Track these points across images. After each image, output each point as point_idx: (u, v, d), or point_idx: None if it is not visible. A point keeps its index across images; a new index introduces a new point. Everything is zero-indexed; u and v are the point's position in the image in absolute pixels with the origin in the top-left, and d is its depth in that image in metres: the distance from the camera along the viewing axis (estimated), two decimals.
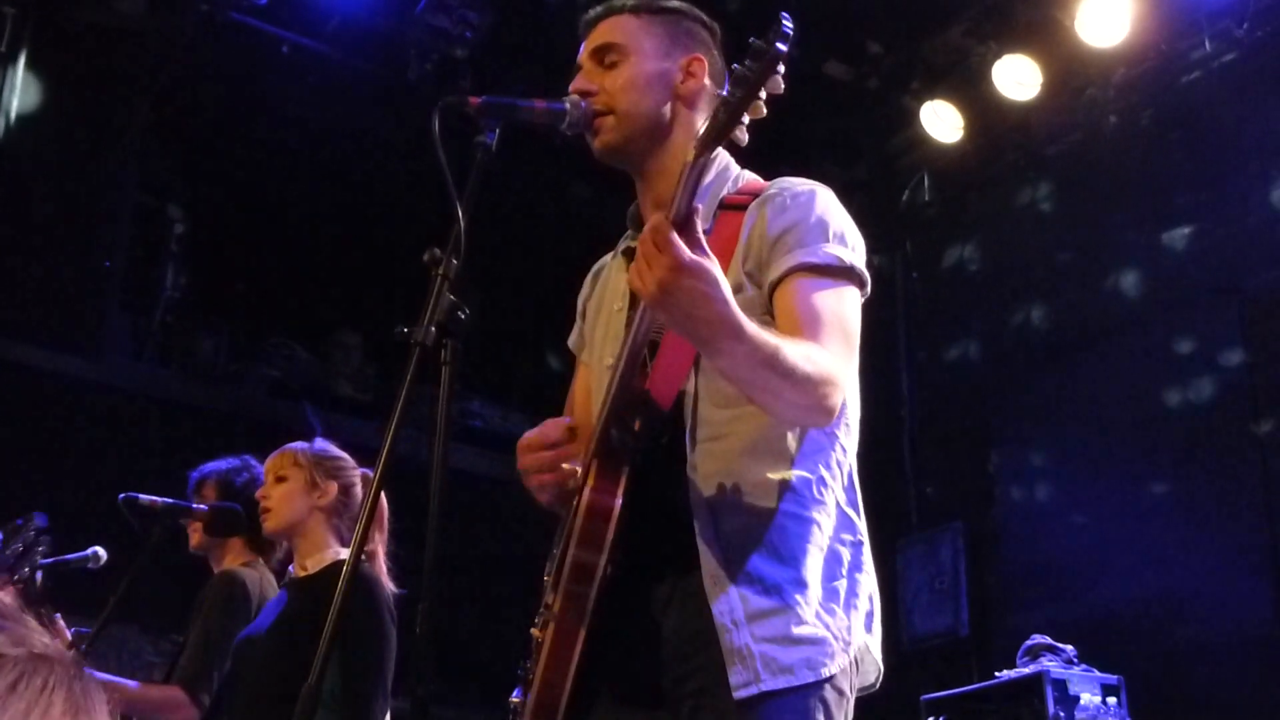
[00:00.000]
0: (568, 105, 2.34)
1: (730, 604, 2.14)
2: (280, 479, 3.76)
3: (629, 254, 2.39)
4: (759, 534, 2.18)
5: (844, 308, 2.23)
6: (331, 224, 7.48)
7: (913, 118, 7.32)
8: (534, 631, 2.27)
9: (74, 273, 6.76)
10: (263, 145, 7.20)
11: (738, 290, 2.19)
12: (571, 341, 2.66)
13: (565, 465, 2.25)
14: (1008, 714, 5.37)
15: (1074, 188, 7.22)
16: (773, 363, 2.02)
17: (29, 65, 6.58)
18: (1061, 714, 5.17)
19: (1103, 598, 6.41)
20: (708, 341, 2.01)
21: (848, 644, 2.20)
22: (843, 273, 2.25)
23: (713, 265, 1.95)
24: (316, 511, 3.72)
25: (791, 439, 2.24)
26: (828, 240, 2.26)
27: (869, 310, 2.32)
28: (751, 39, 1.93)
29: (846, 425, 2.31)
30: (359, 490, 3.79)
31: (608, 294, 2.53)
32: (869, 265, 2.33)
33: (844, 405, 2.20)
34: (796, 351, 2.06)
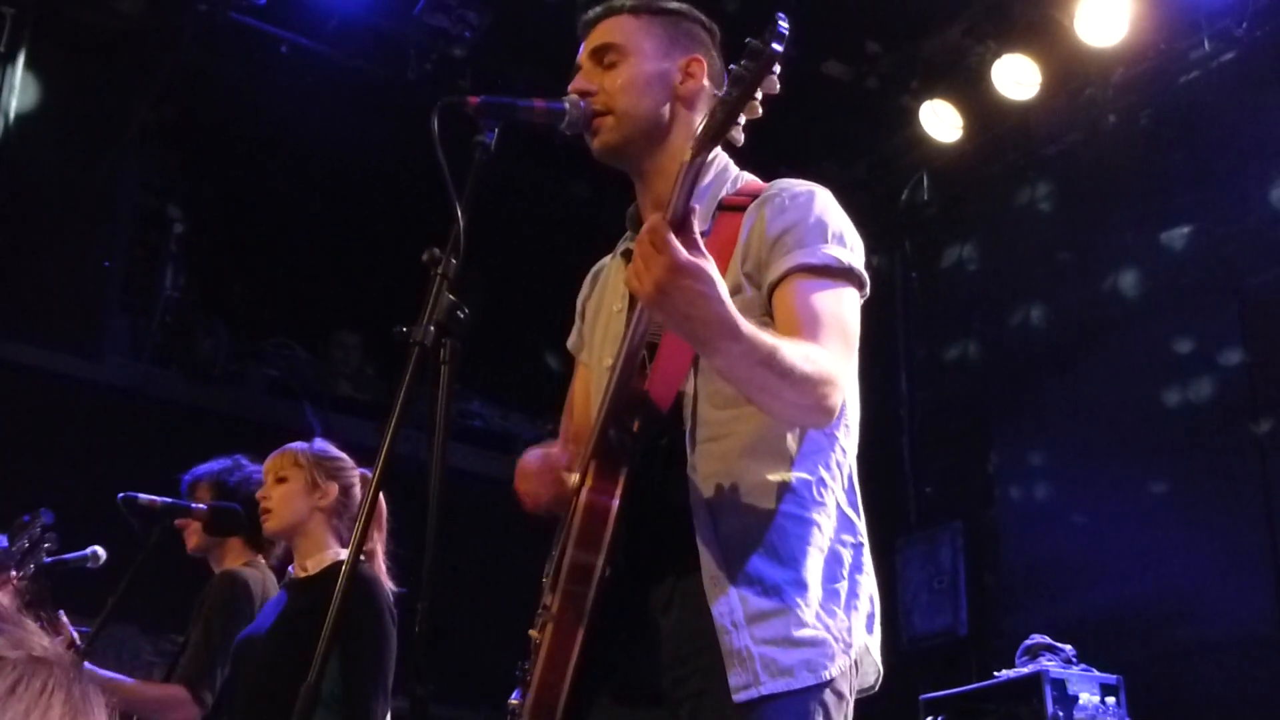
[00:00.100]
0: (567, 105, 2.34)
1: (730, 605, 2.14)
2: (281, 479, 3.76)
3: (628, 255, 2.40)
4: (759, 535, 2.18)
5: (843, 308, 2.23)
6: (331, 224, 7.47)
7: (912, 117, 7.32)
8: (532, 632, 2.27)
9: (74, 273, 6.76)
10: (262, 145, 7.20)
11: (736, 291, 2.19)
12: (570, 342, 2.66)
13: (569, 478, 2.28)
14: (1007, 714, 5.37)
15: (1073, 187, 7.23)
16: (771, 363, 2.02)
17: (28, 65, 6.59)
18: (1060, 714, 5.17)
19: (1102, 597, 6.41)
20: (705, 342, 2.01)
21: (848, 645, 2.20)
22: (842, 273, 2.25)
23: (709, 266, 1.95)
24: (317, 512, 3.72)
25: (791, 440, 2.24)
26: (826, 241, 2.25)
27: (868, 310, 2.32)
28: (748, 39, 1.93)
29: (846, 426, 2.31)
30: (359, 491, 3.78)
31: (607, 295, 2.53)
32: (868, 265, 2.33)
33: (843, 406, 2.20)
34: (795, 352, 2.06)
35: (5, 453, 6.01)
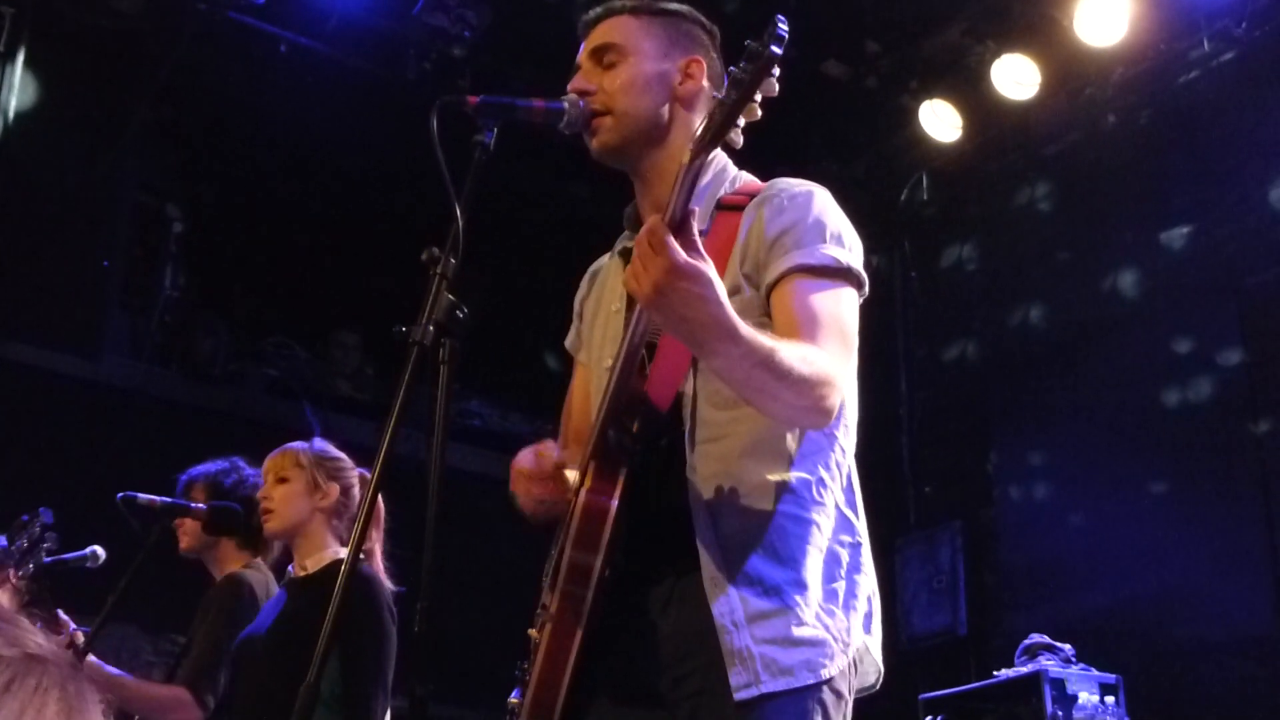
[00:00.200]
0: (566, 105, 2.34)
1: (730, 605, 2.14)
2: (282, 479, 3.75)
3: (626, 254, 2.39)
4: (758, 535, 2.18)
5: (841, 309, 2.23)
6: (330, 223, 7.47)
7: (911, 117, 7.32)
8: (531, 632, 2.28)
9: (73, 273, 6.76)
10: (261, 145, 7.20)
11: (735, 291, 2.19)
12: (569, 342, 2.66)
13: (565, 473, 2.27)
14: (1006, 713, 5.37)
15: (1072, 187, 7.23)
16: (769, 364, 2.02)
17: (27, 64, 6.59)
18: (1060, 713, 5.17)
19: (1101, 597, 6.42)
20: (703, 344, 2.01)
21: (847, 645, 2.20)
22: (840, 274, 2.25)
23: (708, 268, 1.95)
24: (318, 513, 3.72)
25: (790, 440, 2.24)
26: (825, 241, 2.26)
27: (867, 310, 2.32)
28: (747, 41, 1.93)
29: (845, 426, 2.31)
30: (358, 491, 3.78)
31: (605, 295, 2.53)
32: (867, 265, 2.33)
33: (842, 406, 2.20)
34: (793, 353, 2.06)
35: (5, 453, 6.01)
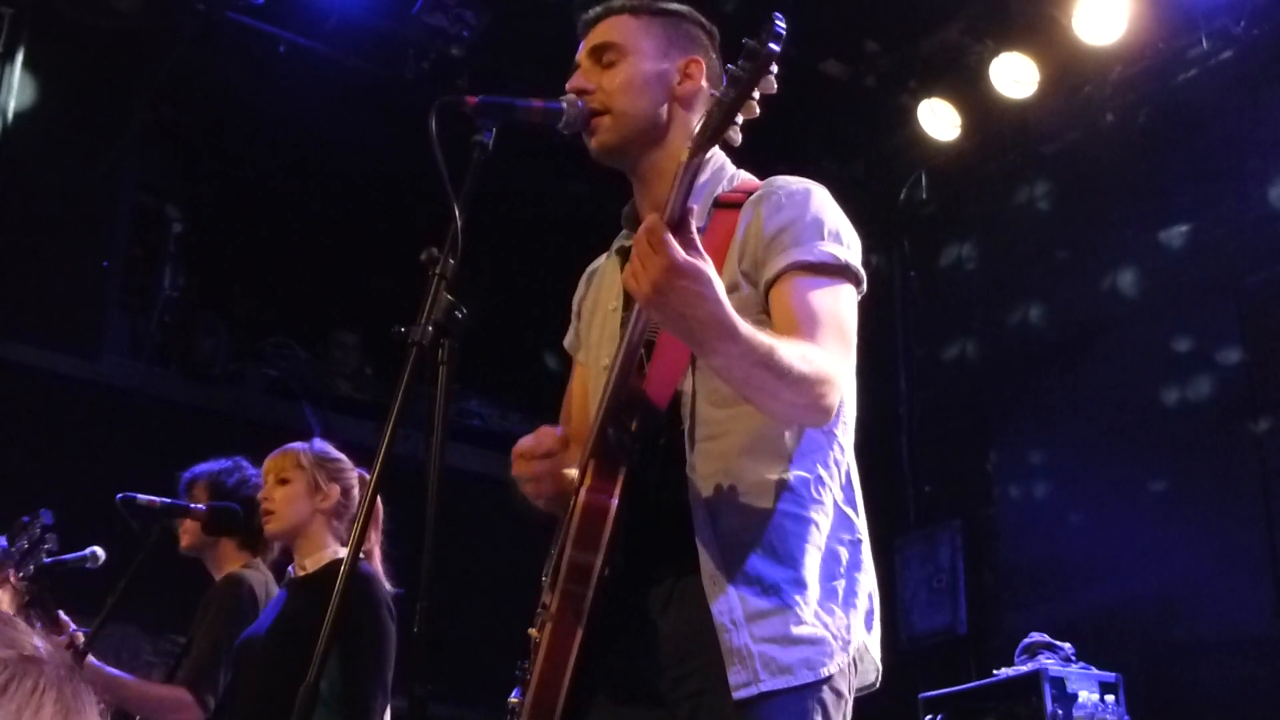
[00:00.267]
0: (565, 105, 2.34)
1: (729, 604, 2.14)
2: (283, 480, 3.75)
3: (624, 254, 2.39)
4: (757, 534, 2.18)
5: (840, 306, 2.23)
6: (329, 223, 7.47)
7: (910, 116, 7.32)
8: (532, 632, 2.28)
9: (72, 273, 6.76)
10: (260, 145, 7.20)
11: (733, 289, 2.19)
12: (567, 342, 2.66)
13: (565, 472, 2.25)
14: (1006, 712, 5.37)
15: (1071, 186, 7.23)
16: (768, 362, 2.02)
17: (26, 65, 6.59)
18: (1059, 712, 5.17)
19: (1101, 596, 6.42)
20: (702, 342, 2.01)
21: (847, 643, 2.20)
22: (838, 271, 2.25)
23: (707, 266, 1.96)
24: (319, 514, 3.72)
25: (789, 438, 2.24)
26: (823, 238, 2.26)
27: (866, 309, 2.32)
28: (744, 39, 1.93)
29: (845, 424, 2.31)
30: (358, 492, 3.78)
31: (603, 294, 2.53)
32: (866, 264, 2.33)
33: (842, 404, 2.20)
34: (792, 351, 2.06)
35: (4, 453, 6.01)
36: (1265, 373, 6.14)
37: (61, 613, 3.94)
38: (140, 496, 3.93)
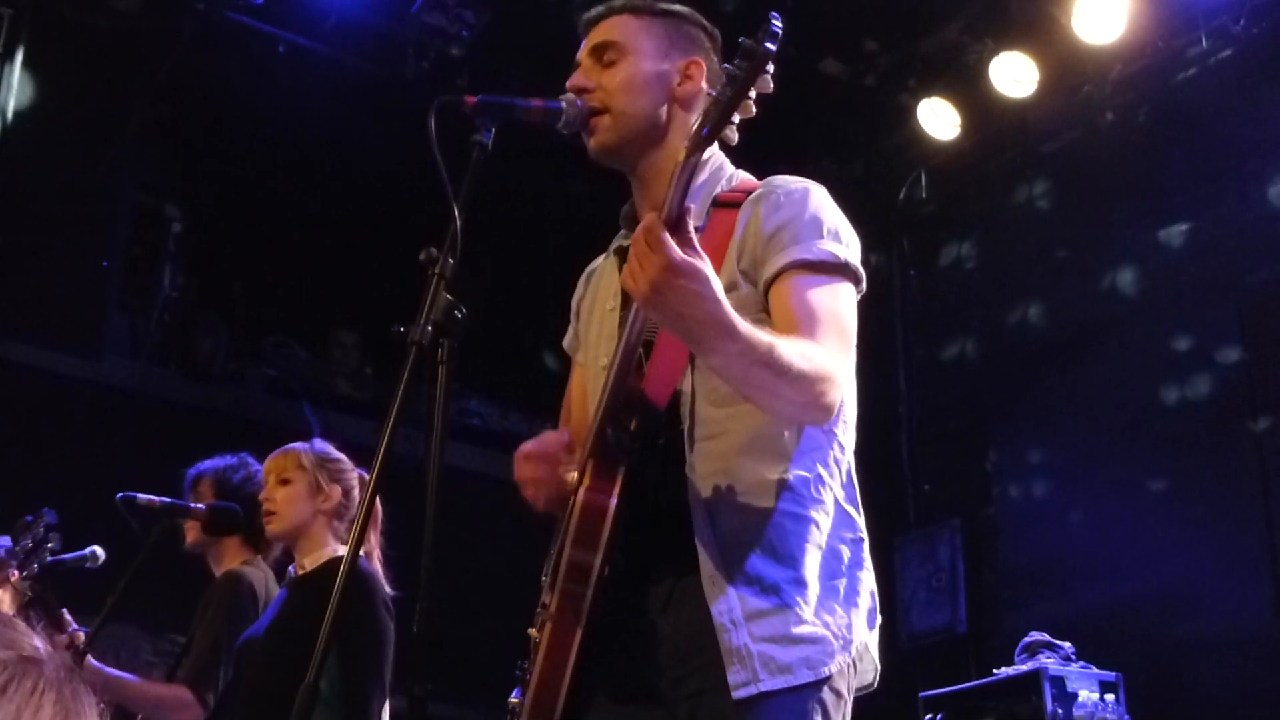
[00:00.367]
0: (564, 105, 2.34)
1: (729, 604, 2.14)
2: (284, 481, 3.75)
3: (622, 253, 2.39)
4: (757, 533, 2.18)
5: (839, 304, 2.23)
6: (329, 223, 7.47)
7: (910, 115, 7.32)
8: (531, 631, 2.28)
9: (72, 273, 6.76)
10: (260, 144, 7.19)
11: (732, 288, 2.19)
12: (566, 342, 2.66)
13: (565, 477, 2.26)
14: (1006, 711, 5.37)
15: (1071, 185, 7.23)
16: (767, 360, 2.02)
17: (26, 64, 6.58)
18: (1059, 711, 5.18)
19: (1101, 595, 6.42)
20: (700, 341, 2.01)
21: (848, 643, 2.20)
22: (838, 269, 2.25)
23: (705, 265, 1.96)
24: (320, 515, 3.72)
25: (789, 437, 2.24)
26: (822, 237, 2.26)
27: (866, 308, 2.32)
28: (741, 39, 1.93)
29: (844, 423, 2.31)
30: (359, 493, 3.79)
31: (601, 294, 2.53)
32: (866, 263, 2.33)
33: (842, 402, 2.20)
34: (792, 349, 2.06)
35: (4, 453, 6.00)
36: (1265, 372, 6.14)
37: (65, 612, 3.94)
38: (140, 496, 3.93)
